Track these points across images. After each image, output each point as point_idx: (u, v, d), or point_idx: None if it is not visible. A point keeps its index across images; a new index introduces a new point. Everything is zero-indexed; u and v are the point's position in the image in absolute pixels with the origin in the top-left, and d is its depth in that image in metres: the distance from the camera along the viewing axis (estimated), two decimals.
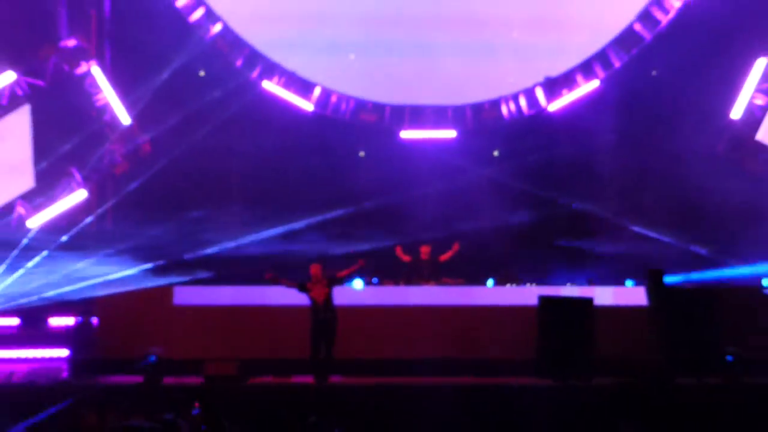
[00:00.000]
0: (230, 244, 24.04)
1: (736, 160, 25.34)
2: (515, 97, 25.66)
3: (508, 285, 23.62)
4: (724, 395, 18.98)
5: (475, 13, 25.56)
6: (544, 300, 20.64)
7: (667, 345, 20.16)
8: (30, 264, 23.40)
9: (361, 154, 26.29)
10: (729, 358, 20.50)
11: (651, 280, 20.72)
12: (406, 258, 23.83)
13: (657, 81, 25.52)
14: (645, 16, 25.45)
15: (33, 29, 25.51)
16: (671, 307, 20.37)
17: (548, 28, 25.46)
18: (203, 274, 23.26)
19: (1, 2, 24.78)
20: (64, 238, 24.22)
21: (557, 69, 25.53)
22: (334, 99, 25.53)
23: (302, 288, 20.32)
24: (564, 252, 24.91)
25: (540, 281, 23.42)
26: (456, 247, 23.69)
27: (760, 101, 24.93)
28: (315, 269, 20.22)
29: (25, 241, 24.02)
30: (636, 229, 24.39)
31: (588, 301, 20.75)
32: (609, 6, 25.74)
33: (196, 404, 15.72)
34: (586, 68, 25.54)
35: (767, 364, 20.00)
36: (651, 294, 20.73)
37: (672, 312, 20.28)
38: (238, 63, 25.25)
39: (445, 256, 23.66)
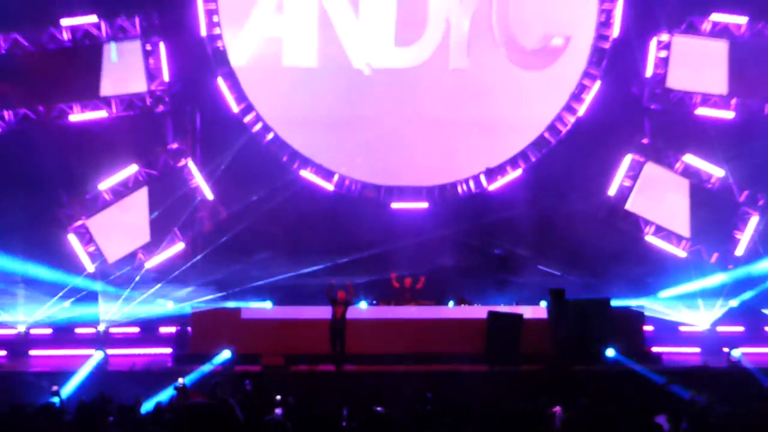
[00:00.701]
0: (276, 278, 24.51)
1: (611, 222, 25.83)
2: (467, 181, 26.55)
3: (461, 305, 24.51)
4: (602, 377, 20.56)
5: (444, 118, 26.31)
6: (491, 314, 21.94)
7: (561, 342, 21.09)
8: (149, 292, 24.41)
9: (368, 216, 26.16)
10: (605, 352, 21.59)
11: (552, 297, 21.60)
12: (396, 284, 24.87)
13: (559, 169, 25.82)
14: (551, 128, 26.21)
15: (150, 136, 25.89)
16: (565, 316, 21.11)
17: (490, 132, 26.42)
18: (259, 299, 24.16)
19: (125, 119, 25.44)
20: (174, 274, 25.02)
21: (494, 162, 26.29)
22: (347, 182, 26.44)
23: (332, 303, 21.46)
24: (497, 282, 25.32)
25: (482, 303, 24.15)
26: (423, 279, 24.88)
27: (627, 183, 26.02)
28: (341, 294, 21.62)
29: (137, 277, 24.85)
30: (543, 267, 25.07)
31: (519, 315, 21.83)
32: (529, 119, 26.27)
33: (248, 382, 17.23)
34: (513, 161, 26.40)
35: (627, 357, 21.40)
36: (551, 307, 21.58)
37: (566, 319, 20.95)
38: (284, 158, 26.01)
39: (419, 285, 24.84)
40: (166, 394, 18.00)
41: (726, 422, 13.39)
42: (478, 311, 22.90)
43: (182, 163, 25.88)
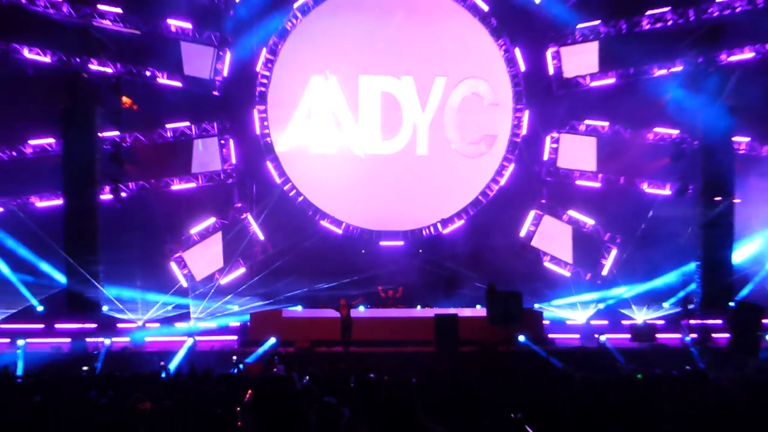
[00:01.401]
0: (303, 291, 24.76)
1: (522, 254, 26.64)
2: (428, 227, 26.98)
3: (425, 308, 24.64)
4: (515, 355, 21.23)
5: (413, 186, 26.74)
6: (437, 315, 21.84)
7: (493, 315, 20.38)
8: (222, 300, 24.67)
9: (363, 251, 26.73)
10: (522, 338, 22.12)
11: (488, 288, 20.82)
12: (382, 294, 24.97)
13: (488, 219, 26.47)
14: (483, 193, 26.85)
15: (223, 199, 26.53)
16: (495, 300, 20.49)
17: (444, 196, 27.04)
18: (293, 305, 24.59)
19: (207, 188, 26.18)
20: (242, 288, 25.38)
21: (446, 215, 26.89)
22: (350, 228, 26.67)
23: (337, 310, 22.23)
24: (448, 293, 25.41)
25: (439, 306, 24.31)
26: (400, 290, 25.09)
27: (532, 228, 26.78)
28: (342, 301, 22.37)
29: (214, 290, 25.04)
30: (478, 283, 24.28)
31: (455, 315, 21.72)
32: (468, 188, 26.95)
33: (276, 359, 17.06)
34: (458, 215, 26.88)
35: (532, 342, 21.87)
36: (488, 294, 20.77)
37: (495, 302, 20.36)
38: (309, 213, 26.38)
39: (398, 294, 25.09)
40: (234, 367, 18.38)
41: (586, 383, 13.92)
42: (436, 312, 22.66)
43: (244, 216, 26.30)
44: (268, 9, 25.92)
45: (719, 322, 23.49)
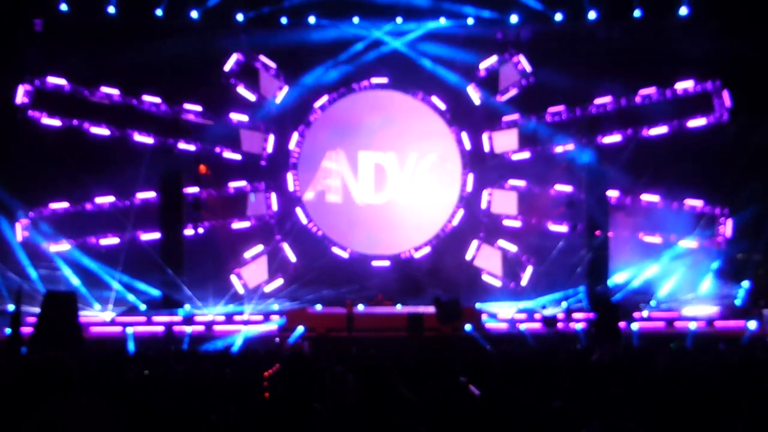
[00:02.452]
0: (320, 295, 24.08)
1: (468, 270, 25.82)
2: (407, 252, 26.34)
3: (404, 307, 23.61)
4: (465, 339, 20.11)
5: (396, 225, 26.01)
6: (408, 315, 20.98)
7: (442, 321, 20.29)
8: (267, 302, 24.08)
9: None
10: (469, 329, 21.17)
11: (434, 300, 20.91)
12: (379, 298, 24.42)
13: (446, 248, 25.87)
14: (442, 229, 26.32)
15: (268, 234, 25.91)
16: (441, 308, 20.53)
17: (417, 231, 26.38)
18: (314, 304, 23.92)
19: (257, 226, 25.56)
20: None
21: (418, 244, 26.31)
22: (353, 252, 26.19)
23: (344, 306, 21.89)
24: (417, 296, 24.25)
25: (413, 305, 22.91)
26: (381, 296, 24.57)
27: (475, 253, 25.67)
28: (348, 302, 22.20)
29: (260, 295, 24.92)
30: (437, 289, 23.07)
31: (421, 315, 20.64)
32: (433, 226, 26.38)
33: (306, 344, 17.18)
34: (426, 243, 26.22)
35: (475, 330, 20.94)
36: (435, 305, 20.65)
37: (442, 310, 20.38)
38: (326, 242, 26.14)
39: (383, 298, 24.46)
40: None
41: (504, 359, 12.66)
42: (409, 310, 21.98)
43: (282, 245, 26.14)
44: (298, 106, 26.10)
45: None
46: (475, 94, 25.24)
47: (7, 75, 20.90)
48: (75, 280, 22.47)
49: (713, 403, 6.63)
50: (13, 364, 9.82)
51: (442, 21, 23.82)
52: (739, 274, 22.24)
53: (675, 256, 22.99)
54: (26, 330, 16.99)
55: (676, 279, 22.77)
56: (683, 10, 22.26)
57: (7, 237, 21.52)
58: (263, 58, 24.65)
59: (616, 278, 24.15)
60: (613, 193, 25.37)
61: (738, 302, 21.86)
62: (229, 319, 22.81)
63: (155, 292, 23.11)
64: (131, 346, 19.01)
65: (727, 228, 23.42)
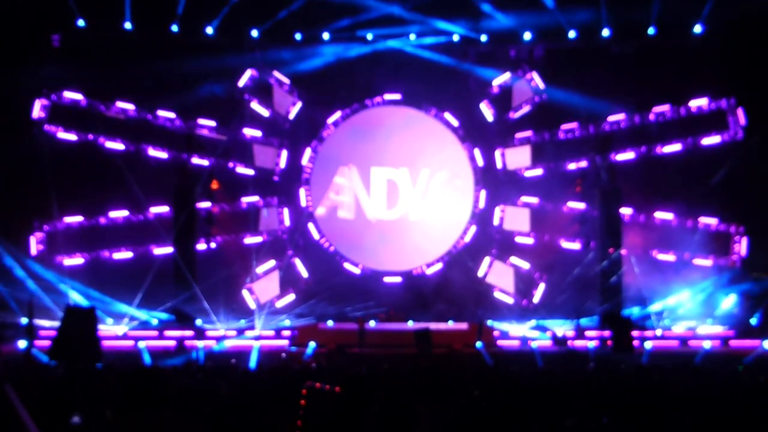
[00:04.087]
0: (331, 311, 23.99)
1: (480, 287, 25.80)
2: (419, 268, 26.29)
3: (414, 323, 23.30)
4: (476, 357, 20.02)
5: (409, 241, 26.04)
6: (415, 331, 20.92)
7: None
8: (279, 317, 23.93)
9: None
10: (479, 345, 21.18)
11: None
12: (391, 313, 24.53)
13: (458, 265, 25.87)
14: (455, 245, 26.14)
15: (280, 248, 25.83)
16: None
17: (429, 247, 26.19)
18: (326, 321, 24.00)
19: (269, 241, 25.43)
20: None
21: (431, 260, 26.23)
22: (365, 269, 26.13)
23: (356, 322, 22.16)
24: (428, 313, 24.28)
25: (423, 322, 22.77)
26: (392, 311, 24.75)
27: (487, 269, 25.78)
28: (360, 320, 22.41)
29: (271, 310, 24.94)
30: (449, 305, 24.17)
31: (427, 329, 20.71)
32: (445, 242, 26.34)
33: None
34: (438, 260, 26.16)
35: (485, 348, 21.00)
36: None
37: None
38: (338, 258, 26.05)
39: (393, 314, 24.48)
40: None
41: (502, 374, 12.77)
42: (419, 326, 21.72)
43: (293, 260, 26.16)
44: (311, 122, 26.50)
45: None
46: (487, 111, 25.45)
47: (25, 89, 21.18)
48: (81, 299, 22.52)
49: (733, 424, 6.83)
50: (39, 375, 10.39)
51: (455, 38, 24.16)
52: (755, 294, 22.10)
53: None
54: (40, 343, 17.38)
55: (696, 299, 22.83)
56: (697, 28, 22.44)
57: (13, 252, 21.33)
58: (277, 74, 24.93)
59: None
60: (626, 211, 25.53)
61: (753, 321, 21.83)
62: (240, 335, 23.18)
63: (164, 314, 23.45)
64: (147, 358, 19.38)
65: (742, 246, 23.40)
